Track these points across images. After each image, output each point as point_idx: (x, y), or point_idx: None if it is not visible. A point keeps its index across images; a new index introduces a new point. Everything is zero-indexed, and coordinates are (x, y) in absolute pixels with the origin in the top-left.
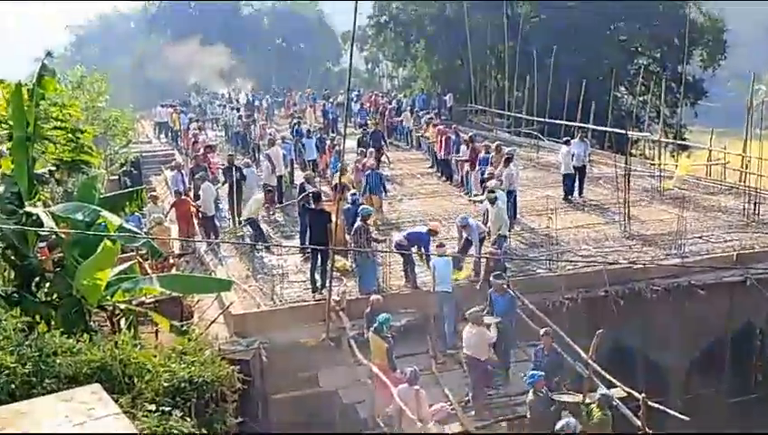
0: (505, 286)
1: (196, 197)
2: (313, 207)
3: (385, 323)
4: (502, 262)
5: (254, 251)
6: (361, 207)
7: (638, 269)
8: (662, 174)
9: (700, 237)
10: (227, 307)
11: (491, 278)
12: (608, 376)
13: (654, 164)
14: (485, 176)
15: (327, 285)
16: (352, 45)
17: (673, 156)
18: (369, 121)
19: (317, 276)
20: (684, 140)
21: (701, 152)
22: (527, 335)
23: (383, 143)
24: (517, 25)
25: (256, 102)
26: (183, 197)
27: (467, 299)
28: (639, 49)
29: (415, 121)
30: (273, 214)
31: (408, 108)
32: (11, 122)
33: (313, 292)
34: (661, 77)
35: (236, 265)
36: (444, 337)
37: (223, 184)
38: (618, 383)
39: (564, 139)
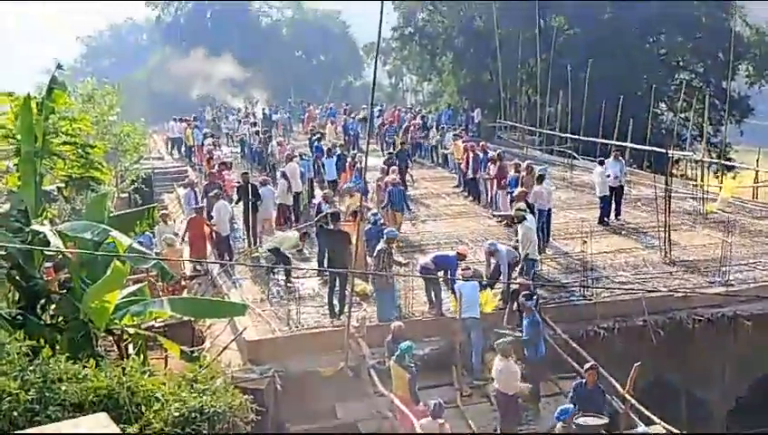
0: (531, 308)
1: (210, 216)
2: (332, 227)
3: (407, 352)
4: (533, 288)
5: (270, 274)
6: (386, 229)
7: (680, 298)
8: (705, 196)
9: (746, 264)
10: (241, 333)
11: (520, 299)
12: (646, 412)
13: (696, 185)
14: (517, 193)
15: (346, 310)
16: (377, 57)
17: (717, 177)
18: (396, 139)
19: (335, 301)
20: (728, 160)
21: (747, 173)
22: (559, 368)
23: (409, 162)
24: (550, 38)
25: (274, 117)
26: (198, 215)
27: (496, 328)
28: (681, 63)
29: (440, 138)
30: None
31: (434, 123)
32: (18, 137)
33: (331, 317)
34: (704, 93)
35: (251, 288)
36: (470, 367)
37: (237, 203)
38: (657, 420)
39: (599, 159)
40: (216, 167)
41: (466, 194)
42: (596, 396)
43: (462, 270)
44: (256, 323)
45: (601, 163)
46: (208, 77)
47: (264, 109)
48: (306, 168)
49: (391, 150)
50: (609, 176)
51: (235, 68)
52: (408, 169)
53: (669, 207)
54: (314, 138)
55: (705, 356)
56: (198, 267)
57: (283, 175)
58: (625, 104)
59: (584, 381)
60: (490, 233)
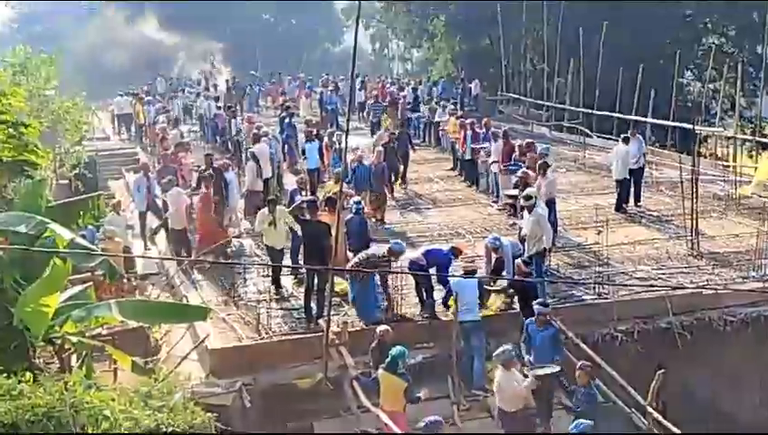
0: (549, 318)
1: (165, 206)
2: (308, 218)
3: (400, 359)
4: (542, 286)
5: (238, 273)
6: (393, 242)
7: (709, 295)
8: (738, 178)
9: None
10: (202, 341)
11: (534, 305)
12: (671, 427)
13: (728, 166)
14: (521, 175)
15: (325, 313)
16: (358, 20)
17: (751, 156)
18: (383, 117)
19: (313, 304)
20: (764, 136)
21: None
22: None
23: (410, 149)
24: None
25: (239, 90)
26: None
27: (498, 332)
28: (709, 26)
29: (432, 113)
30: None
31: (426, 96)
32: None
33: (308, 322)
34: (736, 60)
35: (214, 289)
36: (469, 378)
37: (194, 190)
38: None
39: (622, 136)
40: (172, 148)
41: (463, 178)
42: (589, 399)
43: (465, 264)
44: (221, 329)
45: (626, 141)
46: (159, 44)
47: (227, 80)
48: (275, 149)
49: (386, 131)
50: (644, 153)
51: (191, 36)
52: (410, 154)
53: (697, 192)
54: (285, 114)
55: (738, 363)
56: (152, 264)
57: (252, 156)
58: (645, 74)
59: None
60: (491, 223)
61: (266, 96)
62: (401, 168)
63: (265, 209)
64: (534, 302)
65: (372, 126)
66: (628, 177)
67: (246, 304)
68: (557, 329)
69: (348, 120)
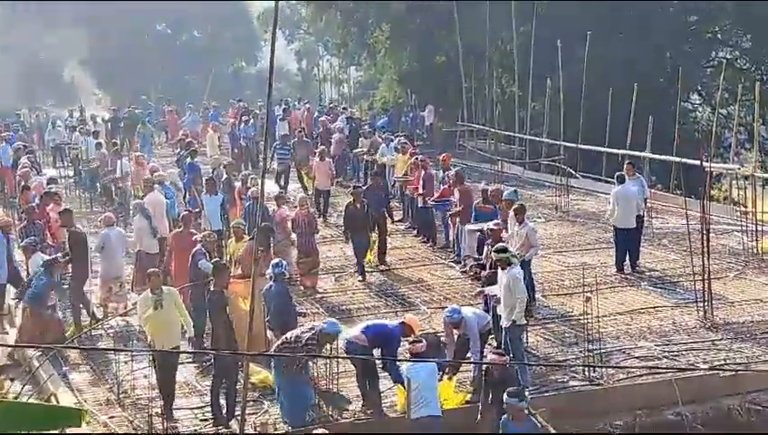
0: (525, 410)
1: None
2: (216, 288)
3: None
4: (517, 373)
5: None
6: (325, 325)
7: (727, 378)
8: (760, 228)
9: None
10: None
11: (504, 397)
12: None
13: (746, 212)
14: (492, 228)
15: (238, 412)
16: (274, 31)
17: None
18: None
19: (222, 399)
20: None
21: None
22: None
23: (388, 208)
24: (532, 4)
25: (129, 121)
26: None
27: (463, 430)
28: (719, 36)
29: (375, 149)
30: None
31: (367, 129)
32: None
33: (217, 424)
34: (753, 78)
35: (91, 381)
36: None
37: (64, 258)
38: None
39: (617, 174)
40: (37, 199)
41: (416, 232)
42: None
43: (411, 344)
44: None
45: (621, 180)
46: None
47: (114, 109)
48: (173, 198)
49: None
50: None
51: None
52: (388, 219)
53: (708, 246)
54: (186, 153)
55: None
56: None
57: (140, 209)
58: (641, 96)
59: None
60: (451, 290)
61: (161, 130)
62: (374, 236)
63: (148, 291)
64: (505, 392)
65: (278, 178)
66: (632, 225)
67: (135, 404)
68: (536, 424)
69: (264, 160)
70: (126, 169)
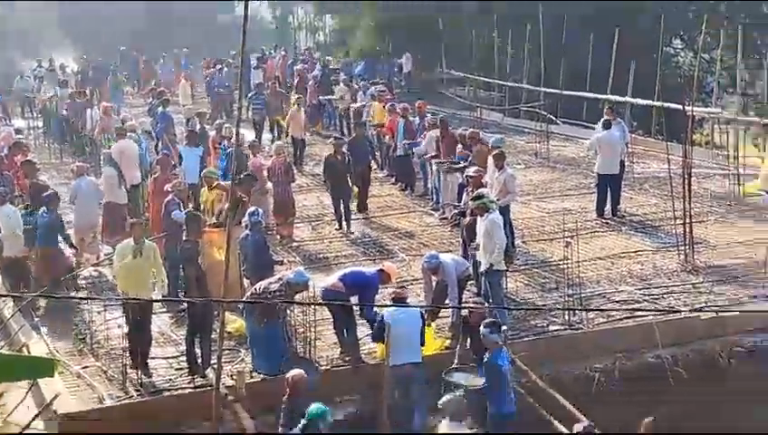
0: (498, 343)
1: None
2: (189, 238)
3: (320, 418)
4: (496, 317)
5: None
6: (291, 274)
7: (708, 321)
8: (741, 171)
9: None
10: (49, 403)
11: (482, 331)
12: None
13: (728, 156)
14: (472, 175)
15: (214, 361)
16: None
17: (756, 144)
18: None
19: (197, 348)
20: None
21: None
22: (536, 430)
23: (375, 160)
24: None
25: (99, 72)
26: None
27: (446, 370)
28: None
29: (354, 97)
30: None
31: (344, 77)
32: None
33: (192, 373)
34: (737, 22)
35: (64, 334)
36: None
37: (27, 208)
38: None
39: (603, 119)
40: (6, 150)
41: (394, 181)
42: None
43: (394, 291)
44: (74, 386)
45: (607, 125)
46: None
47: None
48: (146, 148)
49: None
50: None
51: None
52: (372, 171)
53: (690, 190)
54: (158, 102)
55: (748, 405)
56: None
57: (109, 160)
58: (623, 42)
59: None
60: (430, 237)
61: (133, 81)
62: (355, 190)
63: (130, 240)
64: (482, 325)
65: (255, 126)
66: (616, 171)
67: (109, 353)
68: (502, 358)
69: (240, 109)
70: (96, 118)
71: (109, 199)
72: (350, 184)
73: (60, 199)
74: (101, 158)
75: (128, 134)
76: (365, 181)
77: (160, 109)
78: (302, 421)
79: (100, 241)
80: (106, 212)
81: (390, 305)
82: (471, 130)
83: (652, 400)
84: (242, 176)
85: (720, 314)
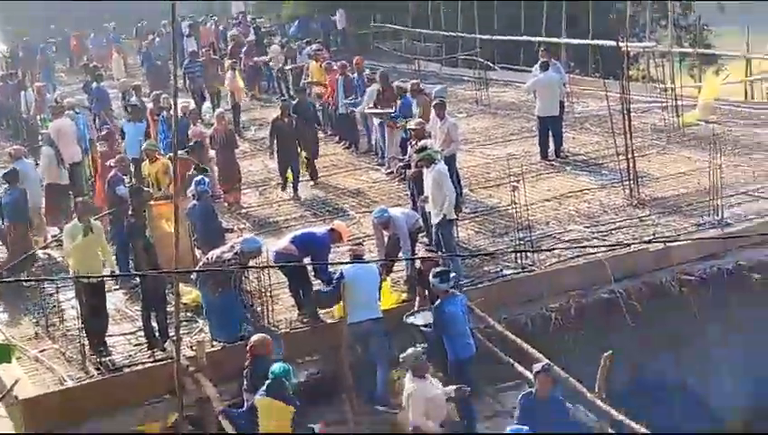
0: (449, 290)
1: None
2: (134, 212)
3: (284, 376)
4: (455, 263)
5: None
6: (242, 241)
7: (657, 252)
8: (679, 103)
9: (746, 193)
10: (10, 389)
11: (431, 280)
12: (628, 422)
13: (666, 89)
14: (414, 127)
15: (172, 333)
16: None
17: (693, 75)
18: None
19: (153, 322)
20: (707, 47)
21: (735, 64)
22: (497, 376)
23: (320, 125)
24: None
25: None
26: None
27: (401, 330)
28: None
29: (289, 57)
30: None
31: (279, 39)
32: None
33: (151, 348)
34: None
35: (18, 318)
36: (370, 392)
37: None
38: (644, 430)
39: (540, 61)
40: None
41: (337, 139)
42: (554, 409)
43: (352, 247)
44: (33, 370)
45: (544, 67)
46: None
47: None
48: (83, 124)
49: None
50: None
51: None
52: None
53: (630, 125)
54: (91, 78)
55: (700, 331)
56: None
57: (47, 139)
58: None
59: (534, 390)
60: (378, 193)
61: (65, 59)
62: (303, 155)
63: (75, 220)
64: (431, 274)
65: (193, 95)
66: (556, 113)
67: (65, 335)
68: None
69: (175, 78)
70: (31, 100)
71: (49, 181)
72: (299, 148)
73: (19, 173)
74: (40, 139)
75: (66, 111)
76: (315, 149)
77: (95, 84)
78: (267, 382)
79: (44, 223)
80: (48, 194)
81: (343, 263)
82: (412, 81)
83: (609, 333)
84: (191, 144)
85: (668, 244)
